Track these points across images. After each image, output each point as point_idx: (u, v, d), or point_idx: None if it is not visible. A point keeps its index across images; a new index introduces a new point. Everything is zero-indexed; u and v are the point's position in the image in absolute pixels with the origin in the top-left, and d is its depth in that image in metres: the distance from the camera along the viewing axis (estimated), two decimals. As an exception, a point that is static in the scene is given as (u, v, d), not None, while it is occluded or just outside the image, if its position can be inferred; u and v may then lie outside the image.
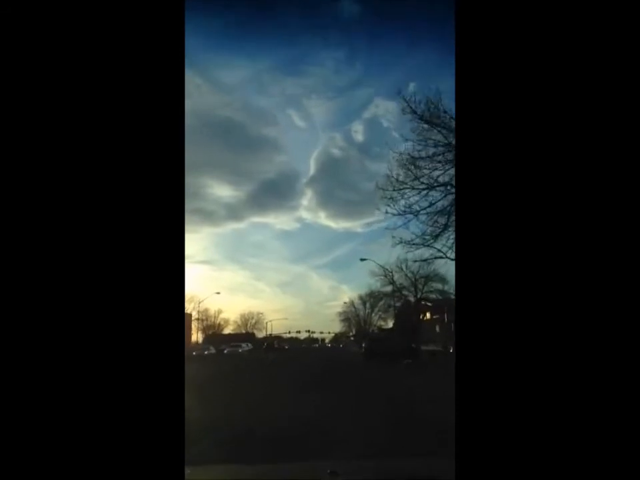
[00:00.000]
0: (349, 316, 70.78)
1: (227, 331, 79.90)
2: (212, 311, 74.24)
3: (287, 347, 63.20)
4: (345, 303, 72.24)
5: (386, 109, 72.67)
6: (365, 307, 67.58)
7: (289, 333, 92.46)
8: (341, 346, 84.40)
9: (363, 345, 23.08)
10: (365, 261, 45.75)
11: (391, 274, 38.54)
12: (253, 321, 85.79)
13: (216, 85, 62.48)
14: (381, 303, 61.00)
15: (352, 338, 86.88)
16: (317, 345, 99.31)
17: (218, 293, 54.42)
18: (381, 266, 38.88)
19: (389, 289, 41.32)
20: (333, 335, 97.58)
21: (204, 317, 70.71)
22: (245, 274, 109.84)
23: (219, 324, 77.69)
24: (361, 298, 67.68)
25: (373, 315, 65.33)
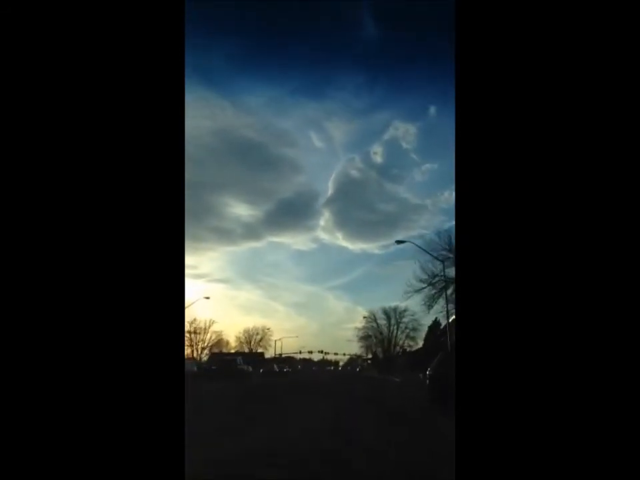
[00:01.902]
0: (370, 332, 58.97)
1: (228, 347, 69.75)
2: (203, 322, 59.76)
3: (287, 370, 46.19)
4: (364, 317, 60.10)
5: (405, 131, 71.85)
6: (389, 323, 56.80)
7: (300, 352, 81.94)
8: (358, 370, 77.01)
9: (428, 375, 11.42)
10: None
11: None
12: (258, 337, 72.45)
13: (240, 107, 62.31)
14: (406, 319, 52.08)
15: (369, 361, 79.30)
16: (331, 368, 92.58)
17: (207, 298, 43.29)
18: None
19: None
20: (347, 357, 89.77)
21: (194, 330, 57.38)
22: (260, 293, 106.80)
23: (214, 338, 62.91)
24: (385, 312, 57.06)
25: (399, 332, 55.33)
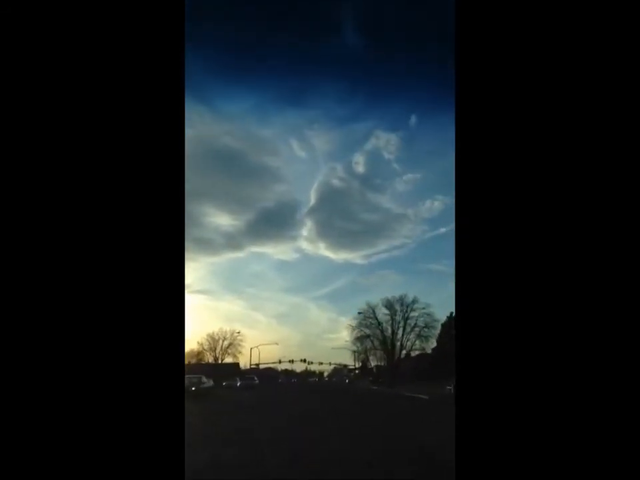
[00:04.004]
0: (367, 332, 43.77)
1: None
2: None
3: (256, 381, 35.82)
4: (359, 312, 44.10)
5: (387, 141, 72.78)
6: (393, 319, 41.90)
7: (280, 362, 69.49)
8: (347, 381, 66.97)
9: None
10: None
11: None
12: (225, 344, 57.10)
13: (219, 113, 60.02)
14: (416, 313, 39.72)
15: (357, 371, 69.37)
16: (315, 380, 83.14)
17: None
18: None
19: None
20: (333, 366, 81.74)
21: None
22: (241, 304, 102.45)
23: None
24: (387, 304, 42.12)
25: (407, 330, 40.74)
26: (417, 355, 40.75)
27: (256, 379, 36.97)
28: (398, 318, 40.80)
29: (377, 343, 42.65)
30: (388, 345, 41.07)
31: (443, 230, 69.48)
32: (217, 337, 55.58)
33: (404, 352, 40.94)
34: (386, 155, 75.80)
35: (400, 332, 40.55)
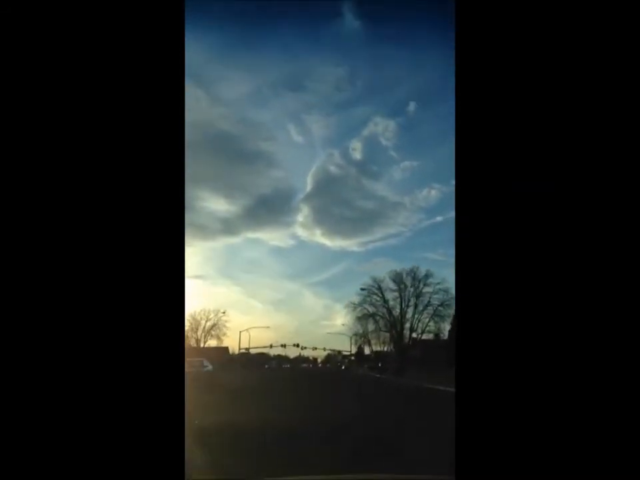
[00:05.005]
0: (372, 310, 36.86)
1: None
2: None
3: (207, 367, 25.73)
4: (361, 289, 37.83)
5: (385, 127, 72.72)
6: (401, 295, 35.20)
7: (271, 347, 64.25)
8: (343, 367, 63.44)
9: None
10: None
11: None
12: (209, 324, 51.21)
13: (215, 98, 60.79)
14: (429, 288, 33.78)
15: (352, 357, 65.63)
16: (309, 366, 79.79)
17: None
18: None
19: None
20: (326, 353, 79.13)
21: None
22: (238, 290, 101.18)
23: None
24: (396, 278, 35.59)
25: (420, 308, 34.21)
26: (425, 340, 35.42)
27: (206, 363, 26.60)
28: (408, 294, 34.82)
29: (382, 323, 36.37)
30: (397, 326, 34.40)
31: (439, 219, 67.43)
32: (198, 317, 50.25)
33: (414, 334, 34.70)
34: (383, 142, 75.13)
35: (410, 311, 34.44)
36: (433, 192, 74.63)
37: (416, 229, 79.94)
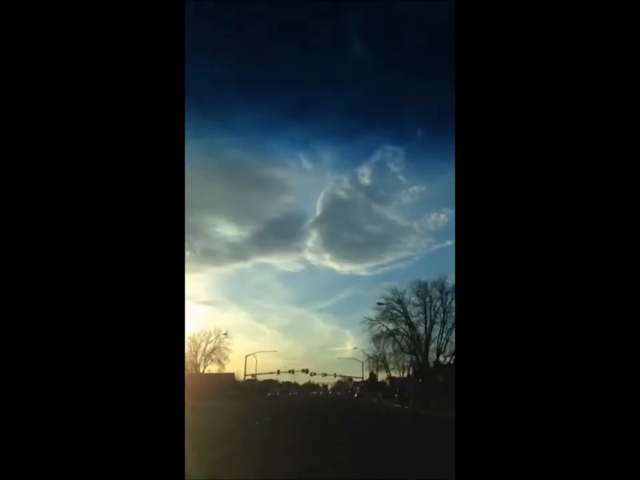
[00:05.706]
0: (393, 326, 30.15)
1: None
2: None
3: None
4: (378, 304, 30.66)
5: (393, 153, 71.16)
6: (426, 311, 28.25)
7: (278, 373, 59.86)
8: (355, 395, 59.03)
9: None
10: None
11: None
12: (208, 348, 45.52)
13: (227, 126, 56.84)
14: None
15: (364, 383, 61.29)
16: (319, 394, 77.54)
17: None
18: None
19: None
20: (336, 379, 76.72)
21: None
22: (246, 315, 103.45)
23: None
24: (420, 290, 28.98)
25: (448, 326, 27.67)
26: (444, 364, 30.29)
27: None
28: (434, 309, 28.44)
29: (403, 343, 30.09)
30: (421, 347, 28.38)
31: (449, 243, 63.73)
32: (198, 340, 45.22)
33: (441, 357, 28.46)
34: (392, 167, 75.57)
35: (437, 328, 28.20)
36: (442, 216, 73.32)
37: (425, 253, 79.48)
